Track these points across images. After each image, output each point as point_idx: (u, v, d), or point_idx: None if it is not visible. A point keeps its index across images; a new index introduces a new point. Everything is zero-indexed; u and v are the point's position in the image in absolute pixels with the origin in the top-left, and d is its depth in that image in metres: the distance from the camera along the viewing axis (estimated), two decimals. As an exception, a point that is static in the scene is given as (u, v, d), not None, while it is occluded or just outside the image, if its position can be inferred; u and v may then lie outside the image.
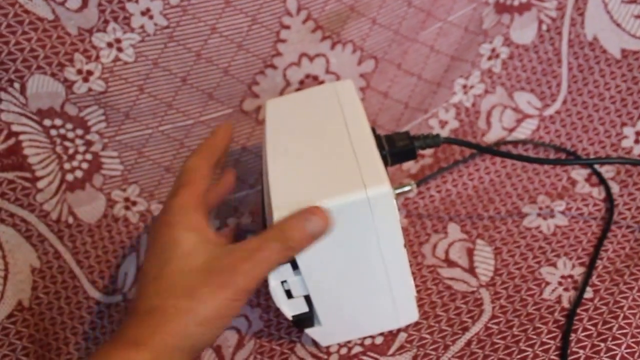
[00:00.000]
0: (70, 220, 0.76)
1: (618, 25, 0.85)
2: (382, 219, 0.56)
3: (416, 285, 0.74)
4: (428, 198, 0.88)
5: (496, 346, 0.64)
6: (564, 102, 0.91)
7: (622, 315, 0.63)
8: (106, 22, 0.70)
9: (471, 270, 0.74)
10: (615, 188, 0.80)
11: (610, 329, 0.63)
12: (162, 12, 0.72)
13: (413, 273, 0.75)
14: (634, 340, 0.61)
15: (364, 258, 0.59)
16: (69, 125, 0.74)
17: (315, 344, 0.70)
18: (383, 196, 0.55)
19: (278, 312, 0.75)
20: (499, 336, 0.65)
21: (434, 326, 0.69)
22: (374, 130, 0.66)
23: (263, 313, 0.77)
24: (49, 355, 0.72)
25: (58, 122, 0.73)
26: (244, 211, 0.88)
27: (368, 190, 0.54)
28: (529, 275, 0.72)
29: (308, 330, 0.66)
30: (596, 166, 0.84)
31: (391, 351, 0.67)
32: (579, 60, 0.89)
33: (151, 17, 0.72)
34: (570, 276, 0.70)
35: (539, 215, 0.80)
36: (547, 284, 0.70)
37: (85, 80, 0.72)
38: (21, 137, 0.70)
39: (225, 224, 0.87)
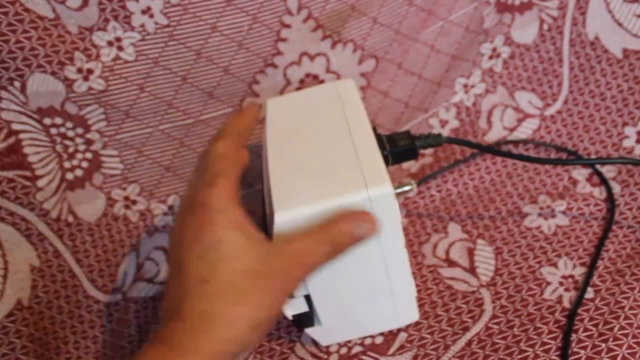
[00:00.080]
0: (70, 219, 0.76)
1: (620, 24, 0.85)
2: (384, 219, 0.56)
3: (416, 285, 0.73)
4: (428, 197, 0.88)
5: (497, 346, 0.64)
6: (565, 101, 0.91)
7: (623, 315, 0.63)
8: (106, 20, 0.70)
9: (472, 270, 0.74)
10: (616, 188, 0.80)
11: (611, 329, 0.62)
12: (163, 10, 0.72)
13: (413, 273, 0.75)
14: (635, 340, 0.61)
15: (365, 257, 0.59)
16: (69, 124, 0.74)
17: (315, 343, 0.70)
18: (384, 196, 0.55)
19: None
20: (499, 336, 0.65)
21: (434, 326, 0.69)
22: (374, 129, 0.66)
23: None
24: (49, 354, 0.72)
25: (58, 120, 0.73)
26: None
27: (370, 190, 0.54)
28: (529, 275, 0.72)
29: (308, 330, 0.66)
30: (597, 166, 0.84)
31: (391, 351, 0.67)
32: (580, 59, 0.89)
33: (152, 16, 0.72)
34: (571, 276, 0.70)
35: (539, 215, 0.80)
36: (548, 284, 0.70)
37: (86, 79, 0.71)
38: (21, 136, 0.70)
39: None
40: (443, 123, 0.96)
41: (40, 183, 0.72)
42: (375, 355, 0.67)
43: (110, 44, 0.72)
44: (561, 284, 0.70)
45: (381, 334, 0.69)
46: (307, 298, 0.62)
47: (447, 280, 0.74)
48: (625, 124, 0.86)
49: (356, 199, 0.55)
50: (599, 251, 0.72)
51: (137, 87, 0.75)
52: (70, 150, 0.75)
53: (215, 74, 0.78)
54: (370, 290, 0.62)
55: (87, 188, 0.77)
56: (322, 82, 0.83)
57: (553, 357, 0.62)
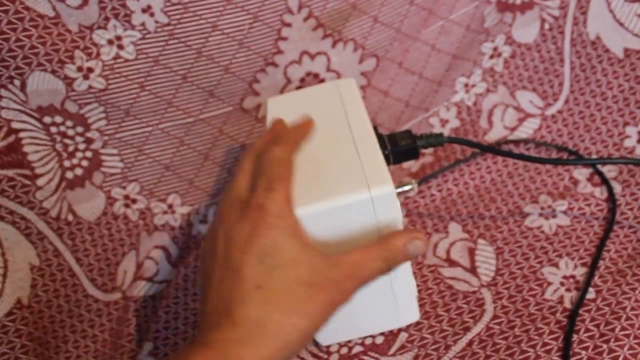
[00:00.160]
0: (70, 217, 0.75)
1: (621, 24, 0.85)
2: (385, 218, 0.56)
3: (417, 285, 0.73)
4: (429, 197, 0.88)
5: (498, 346, 0.64)
6: (566, 101, 0.91)
7: (624, 316, 0.63)
8: (107, 19, 0.70)
9: (472, 270, 0.74)
10: (617, 188, 0.80)
11: (612, 329, 0.62)
12: (163, 9, 0.71)
13: (414, 273, 0.75)
14: (636, 341, 0.61)
15: None
16: (69, 123, 0.74)
17: (315, 343, 0.70)
18: (386, 196, 0.55)
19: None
20: (500, 336, 0.65)
21: (435, 326, 0.68)
22: (375, 129, 0.65)
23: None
24: (48, 353, 0.72)
25: (58, 119, 0.73)
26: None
27: (372, 190, 0.54)
28: (530, 276, 0.71)
29: None
30: (598, 166, 0.84)
31: (392, 351, 0.67)
32: (581, 59, 0.89)
33: (152, 15, 0.72)
34: (572, 276, 0.70)
35: (540, 215, 0.79)
36: (549, 284, 0.70)
37: (86, 77, 0.71)
38: (21, 135, 0.70)
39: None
40: (443, 122, 0.95)
41: (40, 182, 0.72)
42: (376, 355, 0.67)
43: (110, 42, 0.72)
44: (562, 284, 0.69)
45: (382, 334, 0.69)
46: None
47: (448, 280, 0.74)
48: (626, 124, 0.86)
49: (358, 199, 0.54)
50: (600, 251, 0.72)
51: (137, 86, 0.75)
52: (70, 149, 0.75)
53: (215, 73, 0.78)
54: (370, 290, 0.61)
55: (87, 187, 0.77)
56: (322, 81, 0.83)
57: (554, 358, 0.62)
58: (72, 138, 0.75)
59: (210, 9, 0.73)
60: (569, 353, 0.61)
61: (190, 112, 0.79)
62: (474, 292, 0.71)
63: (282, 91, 0.83)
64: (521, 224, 0.79)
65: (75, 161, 0.76)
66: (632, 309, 0.64)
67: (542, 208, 0.80)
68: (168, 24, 0.72)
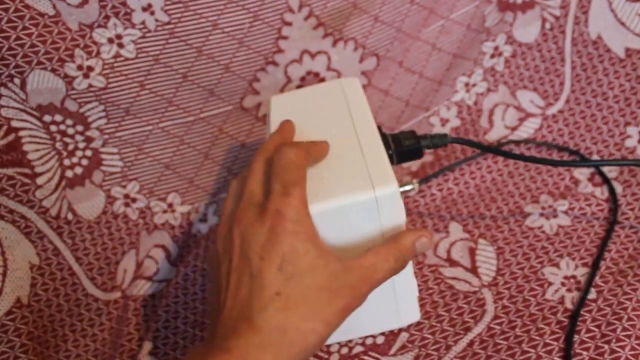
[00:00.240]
0: (70, 216, 0.75)
1: (622, 23, 0.85)
2: (389, 218, 0.56)
3: (418, 285, 0.73)
4: (429, 196, 0.88)
5: (499, 347, 0.64)
6: (567, 101, 0.91)
7: (625, 317, 0.63)
8: (107, 17, 0.70)
9: (473, 270, 0.74)
10: (618, 188, 0.80)
11: (614, 330, 0.62)
12: (164, 8, 0.71)
13: (414, 272, 0.75)
14: (638, 342, 0.60)
15: None
16: (69, 121, 0.74)
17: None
18: (390, 196, 0.55)
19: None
20: (501, 337, 0.65)
21: (435, 326, 0.68)
22: (379, 128, 0.65)
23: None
24: (48, 352, 0.71)
25: (58, 118, 0.73)
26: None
27: (376, 189, 0.54)
28: (531, 276, 0.71)
29: None
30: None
31: (392, 351, 0.67)
32: (582, 59, 0.89)
33: (152, 13, 0.71)
34: (573, 277, 0.70)
35: (541, 214, 0.79)
36: (550, 284, 0.70)
37: (86, 76, 0.71)
38: (21, 133, 0.70)
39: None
40: (444, 122, 0.95)
41: (40, 180, 0.72)
42: (377, 355, 0.67)
43: (110, 41, 0.71)
44: (563, 284, 0.69)
45: (382, 333, 0.69)
46: None
47: (449, 280, 0.74)
48: (627, 124, 0.86)
49: (362, 199, 0.54)
50: (601, 252, 0.72)
51: (137, 85, 0.74)
52: (70, 147, 0.75)
53: (216, 72, 0.77)
54: (373, 291, 0.61)
55: (86, 186, 0.77)
56: (322, 80, 0.83)
57: (555, 358, 0.61)
58: (72, 137, 0.74)
59: (211, 8, 0.73)
60: (570, 354, 0.61)
61: (190, 111, 0.79)
62: (474, 292, 0.71)
63: (282, 90, 0.83)
64: (522, 224, 0.79)
65: (75, 160, 0.76)
66: (634, 309, 0.64)
67: (543, 208, 0.80)
68: (168, 23, 0.72)
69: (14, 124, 0.69)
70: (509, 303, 0.69)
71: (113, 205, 0.80)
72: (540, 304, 0.68)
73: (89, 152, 0.76)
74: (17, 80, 0.68)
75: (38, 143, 0.72)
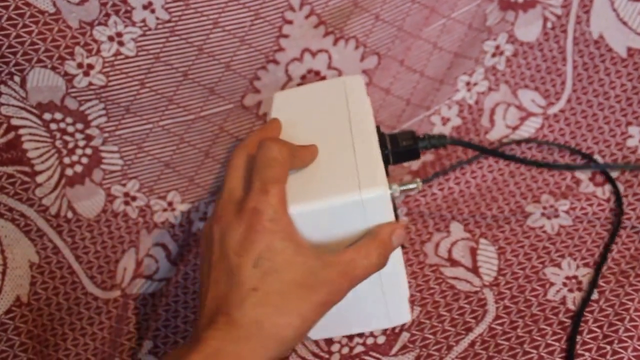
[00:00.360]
0: (70, 215, 0.75)
1: (624, 23, 0.85)
2: (376, 220, 0.56)
3: (418, 285, 0.73)
4: (430, 196, 0.87)
5: (500, 347, 0.64)
6: (569, 100, 0.91)
7: (628, 317, 0.63)
8: (107, 15, 0.70)
9: (474, 269, 0.74)
10: (620, 188, 0.80)
11: (616, 331, 0.62)
12: (164, 5, 0.71)
13: (415, 272, 0.75)
14: (640, 343, 0.60)
15: None
16: (69, 120, 0.73)
17: (316, 343, 0.69)
18: (378, 198, 0.54)
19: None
20: (503, 337, 0.65)
21: (437, 326, 0.68)
22: (378, 128, 0.65)
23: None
24: (47, 351, 0.71)
25: (58, 116, 0.72)
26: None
27: (363, 191, 0.54)
28: (533, 276, 0.71)
29: None
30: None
31: (393, 351, 0.67)
32: (584, 58, 0.89)
33: (153, 11, 0.71)
34: (575, 277, 0.70)
35: (542, 214, 0.79)
36: (552, 284, 0.70)
37: (86, 74, 0.71)
38: (21, 131, 0.70)
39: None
40: (445, 121, 0.95)
41: (40, 179, 0.72)
42: (378, 356, 0.67)
43: (111, 39, 0.71)
44: (565, 284, 0.69)
45: (383, 333, 0.69)
46: None
47: (450, 280, 0.73)
48: (629, 124, 0.86)
49: (348, 201, 0.54)
50: (603, 252, 0.72)
51: (137, 83, 0.74)
52: (70, 145, 0.75)
53: (216, 70, 0.77)
54: (361, 290, 0.61)
55: (86, 184, 0.77)
56: (323, 78, 0.83)
57: (557, 359, 0.61)
58: (72, 135, 0.74)
59: (212, 6, 0.73)
60: (572, 354, 0.61)
61: (190, 109, 0.79)
62: (475, 292, 0.71)
63: (282, 89, 0.83)
64: (523, 224, 0.79)
65: (75, 158, 0.75)
66: (636, 310, 0.64)
67: (544, 208, 0.80)
68: (169, 21, 0.72)
69: (14, 122, 0.69)
70: (511, 303, 0.69)
71: (113, 203, 0.80)
72: (541, 304, 0.67)
73: (89, 151, 0.76)
74: (17, 78, 0.68)
75: (38, 141, 0.71)
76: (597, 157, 0.86)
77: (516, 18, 0.91)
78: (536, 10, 0.90)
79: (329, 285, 0.52)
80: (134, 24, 0.71)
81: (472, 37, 0.91)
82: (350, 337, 0.69)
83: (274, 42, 0.78)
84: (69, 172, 0.75)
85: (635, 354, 0.59)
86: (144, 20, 0.71)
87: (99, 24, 0.70)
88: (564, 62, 0.90)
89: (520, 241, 0.76)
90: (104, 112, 0.75)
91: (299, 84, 0.82)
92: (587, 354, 0.61)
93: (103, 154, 0.77)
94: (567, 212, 0.79)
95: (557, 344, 0.63)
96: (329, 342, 0.69)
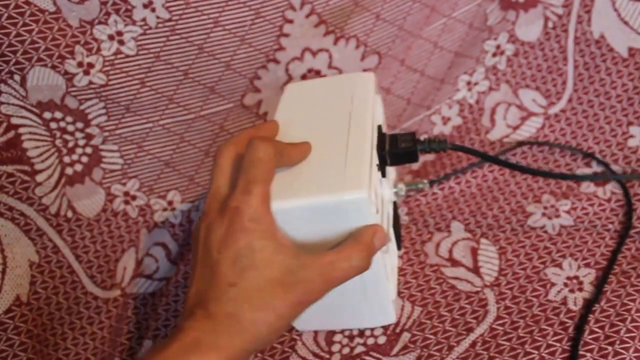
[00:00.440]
0: (70, 214, 0.75)
1: (625, 23, 0.85)
2: (359, 222, 0.56)
3: (419, 285, 0.73)
4: (430, 196, 0.87)
5: (501, 348, 0.64)
6: (570, 100, 0.90)
7: (629, 318, 0.63)
8: (108, 14, 0.70)
9: (475, 269, 0.74)
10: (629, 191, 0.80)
11: (617, 332, 0.62)
12: (165, 5, 0.71)
13: (416, 272, 0.75)
14: (641, 343, 0.60)
15: None
16: (69, 119, 0.73)
17: (317, 343, 0.69)
18: (359, 201, 0.54)
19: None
20: (504, 337, 0.65)
21: (438, 326, 0.68)
22: (380, 128, 0.65)
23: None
24: (47, 350, 0.71)
25: (58, 115, 0.72)
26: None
27: (344, 193, 0.54)
28: (534, 276, 0.71)
29: None
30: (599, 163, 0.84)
31: (394, 351, 0.67)
32: (585, 58, 0.89)
33: (153, 10, 0.71)
34: (576, 277, 0.70)
35: (543, 214, 0.79)
36: (553, 285, 0.69)
37: (86, 73, 0.71)
38: (21, 130, 0.69)
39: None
40: (445, 120, 0.95)
41: (40, 178, 0.71)
42: (378, 356, 0.67)
43: (111, 37, 0.71)
44: (566, 285, 0.69)
45: (384, 333, 0.69)
46: None
47: (451, 280, 0.73)
48: (630, 124, 0.85)
49: (328, 201, 0.54)
50: (606, 253, 0.71)
51: (137, 82, 0.74)
52: (70, 144, 0.75)
53: (216, 69, 0.77)
54: (343, 290, 0.60)
55: (86, 183, 0.77)
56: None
57: (559, 360, 0.61)
58: (72, 134, 0.74)
59: (212, 5, 0.73)
60: (575, 355, 0.61)
61: (190, 108, 0.79)
62: (476, 292, 0.71)
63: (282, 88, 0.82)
64: (524, 224, 0.79)
65: (75, 157, 0.75)
66: (637, 310, 0.63)
67: (545, 208, 0.80)
68: (169, 20, 0.72)
69: (14, 121, 0.69)
70: (512, 304, 0.68)
71: (113, 202, 0.80)
72: (543, 305, 0.67)
73: (89, 150, 0.76)
74: (17, 77, 0.68)
75: (38, 140, 0.71)
76: (598, 157, 0.86)
77: (517, 17, 0.91)
78: (537, 10, 0.90)
79: (307, 284, 0.53)
80: (134, 22, 0.71)
81: (472, 36, 0.91)
82: (351, 337, 0.69)
83: (275, 41, 0.78)
84: (68, 171, 0.75)
85: (637, 354, 0.59)
86: (144, 19, 0.71)
87: (99, 22, 0.70)
88: (565, 61, 0.90)
89: (521, 241, 0.76)
90: (104, 111, 0.75)
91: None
92: (588, 354, 0.60)
93: (103, 153, 0.77)
94: (568, 212, 0.78)
95: (558, 344, 0.63)
96: (330, 342, 0.69)
